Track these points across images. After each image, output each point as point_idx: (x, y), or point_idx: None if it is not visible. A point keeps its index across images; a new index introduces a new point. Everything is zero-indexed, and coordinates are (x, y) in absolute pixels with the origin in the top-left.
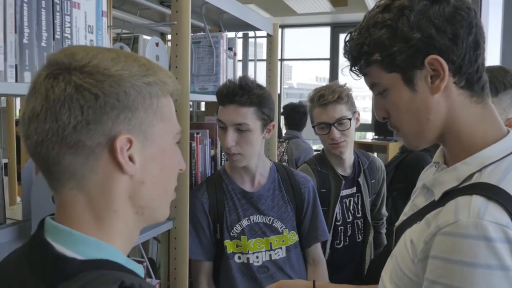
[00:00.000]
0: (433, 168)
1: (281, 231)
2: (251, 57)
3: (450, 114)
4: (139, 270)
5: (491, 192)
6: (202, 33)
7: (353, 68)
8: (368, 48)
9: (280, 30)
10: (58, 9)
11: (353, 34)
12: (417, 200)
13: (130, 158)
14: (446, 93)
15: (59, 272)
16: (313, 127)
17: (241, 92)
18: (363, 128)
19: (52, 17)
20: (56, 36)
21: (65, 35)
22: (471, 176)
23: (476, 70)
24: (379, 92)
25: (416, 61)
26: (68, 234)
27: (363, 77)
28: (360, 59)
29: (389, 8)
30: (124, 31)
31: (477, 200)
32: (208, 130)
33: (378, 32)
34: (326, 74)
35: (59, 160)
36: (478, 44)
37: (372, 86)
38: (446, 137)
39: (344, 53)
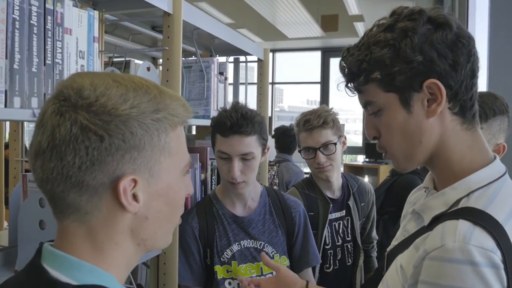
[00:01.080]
0: (421, 192)
1: (271, 256)
2: (242, 80)
3: (441, 138)
4: None
5: (477, 217)
6: (193, 58)
7: (349, 85)
8: (368, 65)
9: (271, 54)
10: (49, 35)
11: (351, 50)
12: (408, 226)
13: (134, 197)
14: (440, 118)
15: None
16: (299, 151)
17: (246, 123)
18: (354, 151)
19: (44, 42)
20: (47, 62)
21: (56, 60)
22: (458, 201)
23: (470, 97)
24: (373, 111)
25: (415, 83)
26: (63, 259)
27: (357, 95)
28: (359, 75)
29: (392, 28)
30: (115, 55)
31: (463, 225)
32: (198, 154)
33: (380, 50)
34: (317, 97)
35: (63, 197)
36: (474, 73)
37: (366, 104)
38: (434, 161)
39: (341, 68)
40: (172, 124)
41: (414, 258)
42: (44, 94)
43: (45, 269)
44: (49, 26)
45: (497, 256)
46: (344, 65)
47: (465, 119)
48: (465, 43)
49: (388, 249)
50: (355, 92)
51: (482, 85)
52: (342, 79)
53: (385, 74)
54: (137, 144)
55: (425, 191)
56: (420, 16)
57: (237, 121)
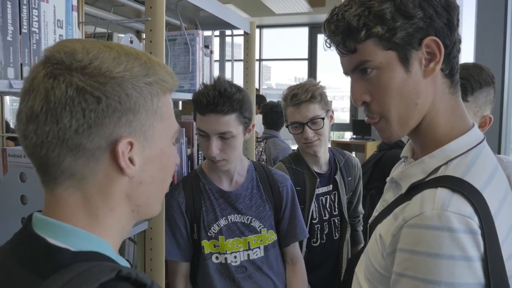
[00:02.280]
0: (402, 164)
1: (259, 230)
2: (228, 57)
3: (433, 101)
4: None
5: (455, 184)
6: (178, 31)
7: (340, 45)
8: (368, 20)
9: (258, 30)
10: (25, 2)
11: (343, 7)
12: (386, 196)
13: (130, 160)
14: (434, 79)
15: (51, 262)
16: (287, 126)
17: (222, 101)
18: (341, 127)
19: (19, 10)
20: (23, 30)
21: (33, 29)
22: (437, 169)
23: (457, 61)
24: (366, 72)
25: (415, 40)
26: (58, 227)
27: (344, 58)
28: (359, 30)
29: None
30: (98, 29)
31: (441, 192)
32: (184, 129)
33: (381, 5)
34: (305, 74)
35: (58, 162)
36: (460, 38)
37: (359, 65)
38: (421, 126)
39: (334, 25)
40: (163, 89)
41: (392, 227)
42: (21, 64)
43: (41, 236)
44: None
45: (475, 222)
46: (336, 22)
47: (452, 83)
48: (456, 6)
49: (370, 220)
50: (345, 51)
51: (469, 56)
52: (333, 37)
53: (387, 29)
54: (132, 107)
55: (404, 161)
56: None
57: (213, 100)
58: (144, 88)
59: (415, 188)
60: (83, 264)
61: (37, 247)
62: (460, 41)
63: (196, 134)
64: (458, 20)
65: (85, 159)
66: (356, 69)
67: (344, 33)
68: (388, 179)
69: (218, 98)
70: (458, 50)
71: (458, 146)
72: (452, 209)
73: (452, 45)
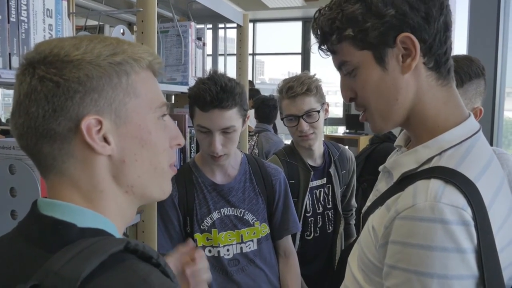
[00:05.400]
0: (396, 154)
1: (252, 223)
2: (221, 51)
3: (417, 95)
4: None
5: (448, 175)
6: (170, 23)
7: (322, 46)
8: (340, 23)
9: (251, 24)
10: None
11: (323, 10)
12: (379, 185)
13: (105, 139)
14: (415, 74)
15: (59, 237)
16: (282, 119)
17: (226, 96)
18: (335, 122)
19: None
20: (11, 19)
21: (21, 18)
22: (430, 159)
23: (445, 52)
24: (348, 71)
25: (389, 38)
26: (65, 207)
27: (331, 57)
28: (331, 34)
29: None
30: (90, 22)
31: (434, 184)
32: (176, 122)
33: (352, 7)
34: (298, 69)
35: (39, 150)
36: (447, 26)
37: (341, 65)
38: (410, 119)
39: (313, 30)
40: (135, 67)
41: (385, 218)
42: (9, 54)
43: (48, 215)
44: None
45: (468, 213)
46: (315, 26)
47: (440, 75)
48: None
49: (363, 210)
50: (328, 53)
51: (462, 48)
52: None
53: (358, 30)
54: (95, 86)
55: (397, 150)
56: None
57: (217, 95)
58: (108, 67)
59: (408, 179)
60: (91, 239)
61: (45, 225)
62: (446, 29)
63: (189, 127)
64: (442, 8)
65: (59, 143)
66: (340, 68)
67: (321, 37)
68: (380, 167)
69: (222, 94)
70: (444, 41)
71: (452, 136)
72: (445, 201)
73: (433, 38)
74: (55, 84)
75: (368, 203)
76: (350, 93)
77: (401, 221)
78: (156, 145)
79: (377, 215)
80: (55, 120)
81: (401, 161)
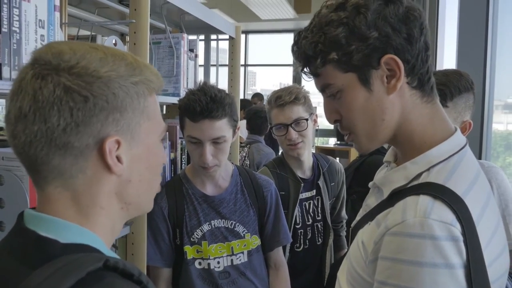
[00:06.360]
0: (385, 169)
1: (243, 235)
2: (213, 62)
3: (403, 114)
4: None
5: (437, 191)
6: (162, 34)
7: (305, 69)
8: (323, 46)
9: (243, 36)
10: (5, 1)
11: (303, 34)
12: (368, 201)
13: (118, 159)
14: (400, 93)
15: (41, 254)
16: (271, 128)
17: (216, 106)
18: (325, 133)
19: None
20: (3, 29)
21: (13, 28)
22: (419, 175)
23: (427, 70)
24: (332, 93)
25: (373, 60)
26: (50, 221)
27: (313, 79)
28: (315, 58)
29: (344, 6)
30: (82, 32)
31: (423, 200)
32: (167, 133)
33: (334, 30)
34: (290, 80)
35: (48, 160)
36: (427, 45)
37: (324, 87)
38: (398, 137)
39: (295, 53)
40: (149, 89)
41: (375, 234)
42: (0, 64)
43: (32, 230)
44: None
45: (457, 229)
46: (296, 50)
47: (424, 92)
48: (417, 15)
49: (352, 224)
50: (311, 76)
51: (451, 62)
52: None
53: (342, 53)
54: (119, 106)
55: (387, 166)
56: None
57: (207, 106)
58: (131, 88)
59: (398, 194)
60: (72, 255)
61: (27, 240)
62: (427, 49)
63: (180, 138)
64: (422, 29)
65: (73, 157)
66: (323, 90)
67: (304, 60)
68: (370, 183)
69: (212, 104)
70: (425, 60)
71: (440, 152)
72: (434, 217)
73: (415, 58)
74: (83, 98)
75: (357, 218)
76: (334, 115)
77: (391, 237)
78: (157, 167)
79: (367, 230)
80: (76, 135)
81: (390, 178)
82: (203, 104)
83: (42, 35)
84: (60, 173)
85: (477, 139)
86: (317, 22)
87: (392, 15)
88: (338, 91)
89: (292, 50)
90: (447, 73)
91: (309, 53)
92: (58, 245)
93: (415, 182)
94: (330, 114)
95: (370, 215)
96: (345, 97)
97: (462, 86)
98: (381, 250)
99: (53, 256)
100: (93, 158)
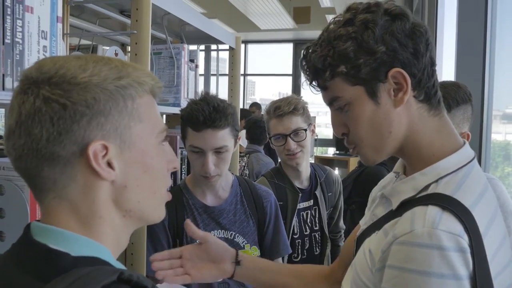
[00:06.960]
0: (392, 177)
1: (242, 246)
2: (213, 72)
3: (410, 127)
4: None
5: (446, 202)
6: (163, 45)
7: (313, 83)
8: (332, 60)
9: (243, 45)
10: (9, 12)
11: (311, 48)
12: (376, 210)
13: (109, 164)
14: (407, 107)
15: (52, 267)
16: (269, 138)
17: (219, 116)
18: (325, 143)
19: (2, 20)
20: (6, 41)
21: (16, 39)
22: (428, 186)
23: (433, 84)
24: (340, 106)
25: (380, 73)
26: (59, 233)
27: (321, 93)
28: (324, 71)
29: (352, 22)
30: (83, 42)
31: (432, 210)
32: (168, 143)
33: (343, 44)
34: (289, 90)
35: (38, 172)
36: (433, 61)
37: (332, 100)
38: (405, 149)
39: (303, 67)
40: (139, 91)
41: (383, 243)
42: (3, 74)
43: (41, 242)
44: (8, 2)
45: (465, 240)
46: (305, 63)
47: (431, 106)
48: (423, 31)
49: (358, 233)
50: (319, 89)
51: (450, 74)
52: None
53: (351, 67)
54: (102, 110)
55: (396, 176)
56: (377, 9)
57: (209, 115)
58: (115, 91)
59: (406, 205)
60: (84, 269)
61: (37, 253)
62: (432, 64)
63: (180, 148)
64: (427, 44)
65: (61, 166)
66: (331, 104)
67: (312, 73)
68: (378, 194)
69: (214, 114)
70: (431, 74)
71: (448, 164)
72: (442, 227)
73: (422, 72)
74: (62, 106)
75: (363, 227)
76: (342, 128)
77: (398, 246)
78: (157, 170)
79: (374, 239)
80: (60, 143)
81: (399, 189)
82: (206, 113)
83: (44, 46)
84: (53, 183)
85: (476, 149)
86: (326, 36)
87: (399, 30)
88: (346, 104)
89: (301, 64)
90: (445, 85)
91: (318, 66)
92: (69, 258)
93: (424, 193)
94: (338, 127)
95: (378, 225)
96: (352, 109)
97: (460, 98)
98: (389, 259)
99: (64, 270)
100: (81, 166)
